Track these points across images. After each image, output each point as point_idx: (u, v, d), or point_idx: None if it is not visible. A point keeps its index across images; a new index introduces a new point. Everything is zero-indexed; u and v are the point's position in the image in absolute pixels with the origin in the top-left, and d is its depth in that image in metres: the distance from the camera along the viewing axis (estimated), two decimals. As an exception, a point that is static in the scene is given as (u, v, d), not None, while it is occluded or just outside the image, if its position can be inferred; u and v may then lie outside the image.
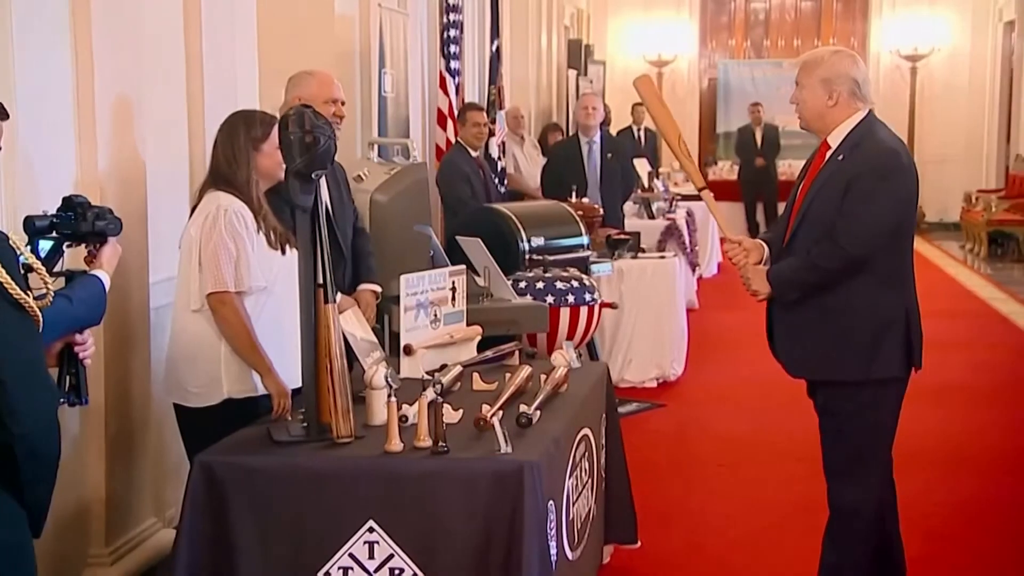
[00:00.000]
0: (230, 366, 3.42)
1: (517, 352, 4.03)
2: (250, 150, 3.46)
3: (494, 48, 9.10)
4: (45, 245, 2.67)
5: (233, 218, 3.37)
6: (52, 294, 2.37)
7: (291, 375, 3.37)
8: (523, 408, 3.21)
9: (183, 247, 3.48)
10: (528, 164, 9.81)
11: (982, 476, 5.27)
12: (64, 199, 2.75)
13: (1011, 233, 13.02)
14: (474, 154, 7.11)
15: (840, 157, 3.40)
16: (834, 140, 3.44)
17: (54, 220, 2.70)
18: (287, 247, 3.47)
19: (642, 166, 10.17)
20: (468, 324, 4.05)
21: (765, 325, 3.62)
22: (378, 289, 4.27)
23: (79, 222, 2.71)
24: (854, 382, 3.40)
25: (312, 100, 3.78)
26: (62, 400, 2.60)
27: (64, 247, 2.73)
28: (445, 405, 3.05)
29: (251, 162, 3.46)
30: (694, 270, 9.33)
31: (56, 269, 2.66)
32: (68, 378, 2.63)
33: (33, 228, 2.65)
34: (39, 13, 3.37)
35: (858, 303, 3.38)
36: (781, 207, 17.51)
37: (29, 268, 2.39)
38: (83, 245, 2.77)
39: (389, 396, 3.05)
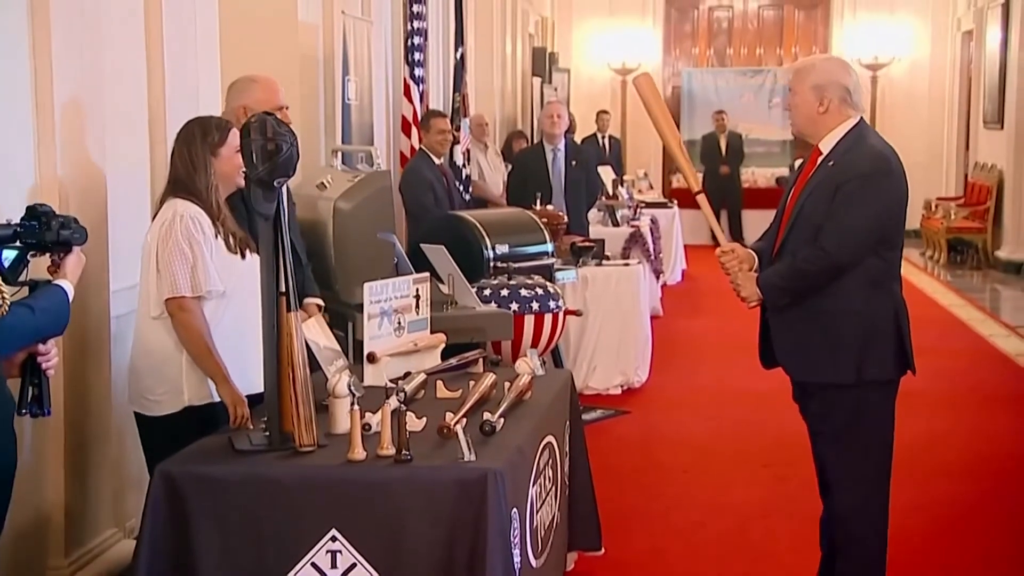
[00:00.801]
0: (191, 374, 3.40)
1: (481, 360, 4.02)
2: (207, 156, 3.44)
3: (458, 55, 9.10)
4: (9, 254, 2.65)
5: (189, 223, 3.35)
6: (8, 304, 2.35)
7: (251, 380, 3.36)
8: (487, 416, 3.20)
9: (143, 255, 3.46)
10: (492, 171, 9.82)
11: (943, 481, 5.32)
12: (28, 208, 2.72)
13: (970, 240, 13.16)
14: (438, 161, 7.11)
15: (831, 163, 3.44)
16: (825, 146, 3.48)
17: (18, 229, 2.67)
18: (247, 252, 3.46)
19: (607, 173, 10.20)
20: (432, 332, 4.04)
21: (758, 336, 3.62)
22: (321, 302, 4.25)
23: (43, 231, 2.69)
24: (845, 384, 3.43)
25: (256, 107, 3.72)
26: (24, 411, 2.58)
27: (29, 256, 2.70)
28: (408, 413, 3.05)
29: (209, 168, 3.44)
30: (658, 277, 9.36)
31: (21, 279, 2.64)
32: (31, 389, 2.60)
33: None
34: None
35: (848, 306, 3.41)
36: (745, 215, 17.68)
37: None
38: (47, 255, 2.74)
39: (352, 404, 3.04)
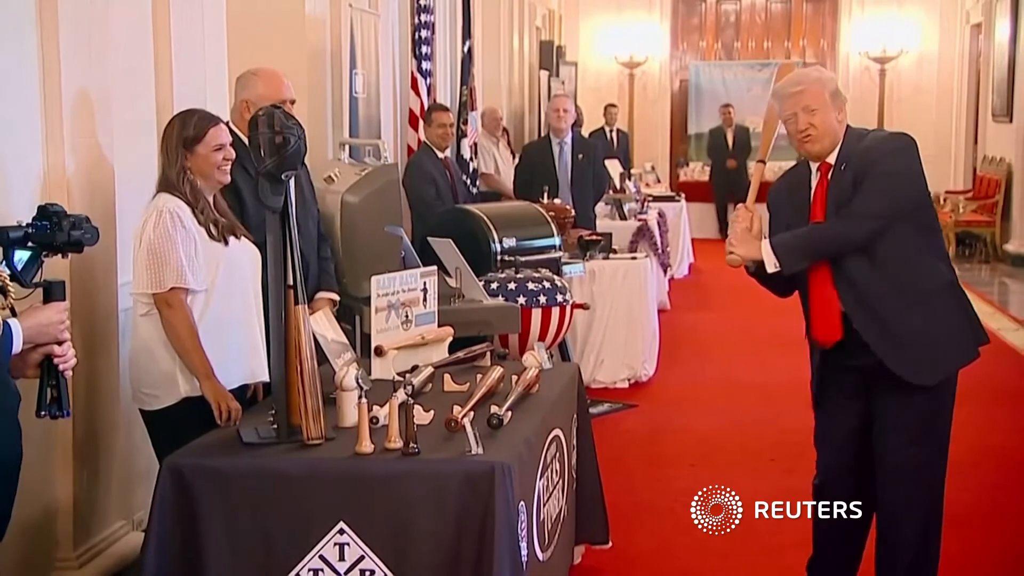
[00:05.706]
0: (185, 366, 3.40)
1: (489, 353, 4.03)
2: (181, 148, 3.43)
3: (466, 49, 9.09)
4: (22, 256, 2.64)
5: (167, 218, 3.35)
6: (11, 304, 2.34)
7: (245, 369, 3.42)
8: (494, 409, 3.21)
9: (132, 253, 3.46)
10: (505, 165, 9.82)
11: (950, 475, 5.30)
12: (40, 208, 2.72)
13: (979, 234, 13.13)
14: (441, 155, 7.10)
15: (843, 166, 3.32)
16: (832, 156, 3.36)
17: (28, 231, 2.66)
18: (230, 238, 3.47)
19: (614, 167, 10.18)
20: (440, 325, 4.04)
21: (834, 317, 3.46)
22: (336, 297, 4.24)
23: (55, 232, 2.68)
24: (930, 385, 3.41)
25: (259, 102, 3.65)
26: (44, 413, 2.57)
27: (42, 257, 2.70)
28: (416, 406, 3.05)
29: (181, 159, 3.43)
30: (666, 271, 9.35)
31: (35, 280, 2.63)
32: (49, 391, 2.59)
33: (7, 239, 2.62)
34: (3, 10, 3.34)
35: (940, 281, 3.40)
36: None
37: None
38: (60, 255, 2.74)
39: (360, 398, 3.04)
